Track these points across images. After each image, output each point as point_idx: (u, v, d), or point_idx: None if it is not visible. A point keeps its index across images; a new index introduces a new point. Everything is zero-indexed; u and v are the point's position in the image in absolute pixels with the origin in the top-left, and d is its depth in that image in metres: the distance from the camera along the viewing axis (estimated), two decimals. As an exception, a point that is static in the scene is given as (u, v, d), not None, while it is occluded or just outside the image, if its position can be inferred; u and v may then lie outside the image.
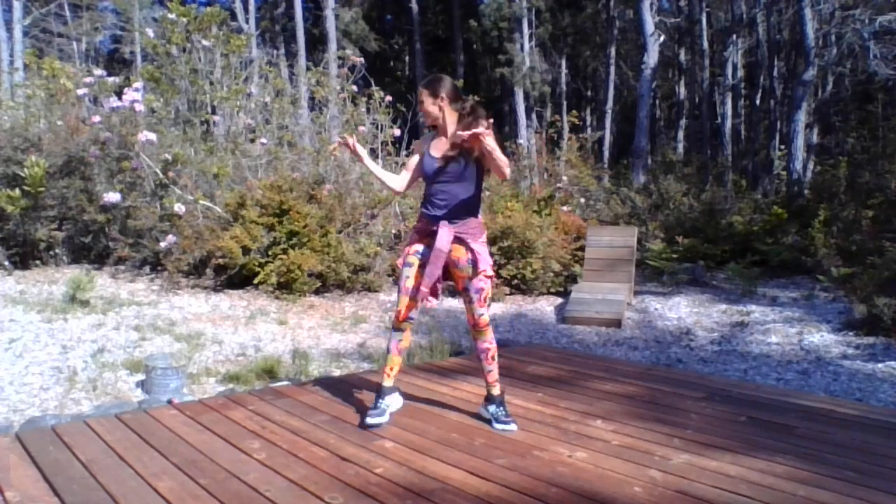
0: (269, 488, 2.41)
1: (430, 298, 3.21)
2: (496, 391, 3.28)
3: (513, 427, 3.17)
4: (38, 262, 7.67)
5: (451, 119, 3.19)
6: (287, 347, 5.56)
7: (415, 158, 3.34)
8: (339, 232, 7.81)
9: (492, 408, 3.26)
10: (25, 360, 4.80)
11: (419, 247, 3.23)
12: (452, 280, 3.32)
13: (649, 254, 9.00)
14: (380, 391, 3.27)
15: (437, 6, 26.75)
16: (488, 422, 3.24)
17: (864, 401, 4.50)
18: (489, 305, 3.26)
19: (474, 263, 3.17)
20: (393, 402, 3.33)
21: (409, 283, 3.18)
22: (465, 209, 3.18)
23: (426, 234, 3.22)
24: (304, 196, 7.69)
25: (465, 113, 3.18)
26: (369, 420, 3.14)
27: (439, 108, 3.16)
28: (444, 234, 3.12)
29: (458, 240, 3.16)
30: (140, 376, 4.57)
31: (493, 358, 3.25)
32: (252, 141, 9.22)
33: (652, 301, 7.65)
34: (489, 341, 3.23)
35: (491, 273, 3.23)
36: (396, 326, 3.23)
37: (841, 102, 20.01)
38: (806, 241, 9.49)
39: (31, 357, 4.88)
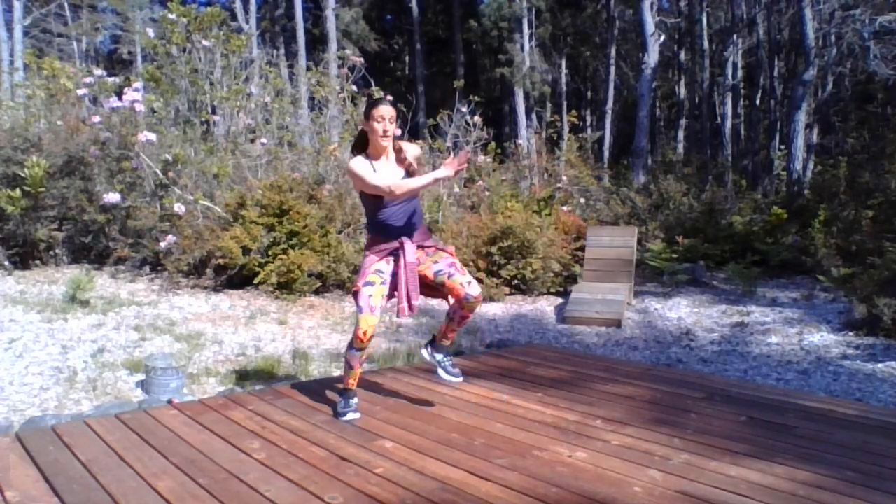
0: (269, 488, 2.41)
1: (409, 312, 3.24)
2: (447, 343, 3.48)
3: (460, 379, 3.45)
4: (38, 262, 7.67)
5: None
6: (287, 347, 5.56)
7: (354, 178, 3.24)
8: (339, 232, 7.81)
9: (439, 356, 3.47)
10: (25, 360, 4.80)
11: (380, 265, 3.24)
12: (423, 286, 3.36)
13: (649, 254, 8.99)
14: (347, 394, 3.34)
15: (437, 6, 26.75)
16: (433, 369, 3.50)
17: (864, 401, 4.50)
18: None
19: (435, 249, 3.33)
20: (356, 403, 3.39)
21: (373, 302, 3.15)
22: (418, 222, 3.34)
23: (387, 253, 3.25)
24: (304, 196, 7.69)
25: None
26: (348, 417, 3.25)
27: None
28: (410, 248, 3.24)
29: (419, 246, 3.32)
30: (140, 376, 4.57)
31: (464, 325, 3.44)
32: (252, 141, 9.23)
33: (652, 301, 7.65)
34: (473, 313, 3.36)
35: (451, 251, 3.39)
36: (360, 347, 3.19)
37: (841, 102, 20.00)
38: (806, 241, 9.49)
39: (31, 357, 4.88)
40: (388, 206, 3.23)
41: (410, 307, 3.22)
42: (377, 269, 3.22)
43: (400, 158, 3.30)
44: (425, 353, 3.51)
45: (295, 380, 4.54)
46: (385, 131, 3.17)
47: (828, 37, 15.75)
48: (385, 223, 3.25)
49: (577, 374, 4.26)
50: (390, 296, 3.30)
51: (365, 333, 3.13)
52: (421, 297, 3.28)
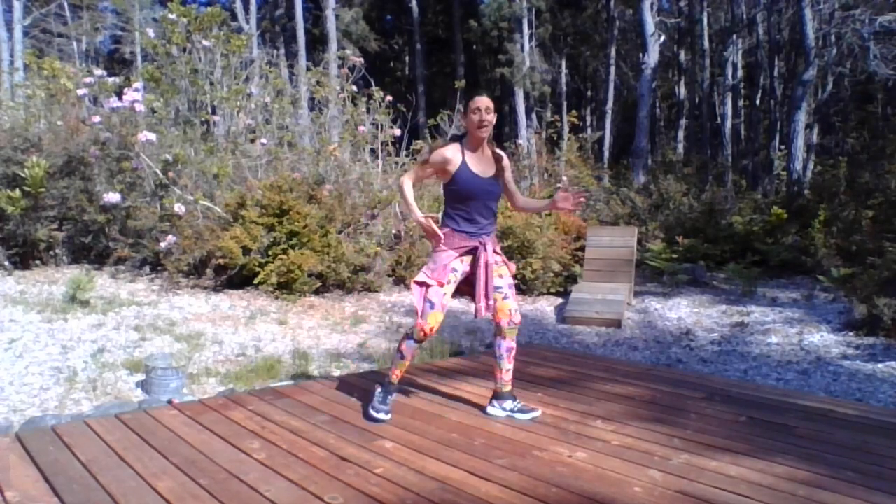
0: (269, 488, 2.41)
1: (485, 312, 3.28)
2: (507, 388, 3.38)
3: (538, 412, 3.32)
4: (38, 262, 7.67)
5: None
6: (287, 347, 5.56)
7: (435, 162, 3.24)
8: (339, 232, 7.81)
9: (507, 404, 3.36)
10: (25, 361, 4.80)
11: (456, 264, 3.23)
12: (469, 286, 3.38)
13: (649, 254, 8.99)
14: (389, 389, 3.31)
15: (437, 6, 26.75)
16: (509, 418, 3.32)
17: (864, 401, 4.50)
18: None
19: (503, 261, 3.33)
20: (394, 401, 3.40)
21: (445, 300, 3.20)
22: (495, 222, 3.35)
23: (464, 251, 3.24)
24: (304, 196, 7.69)
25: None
26: (377, 415, 3.21)
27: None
28: (490, 246, 3.25)
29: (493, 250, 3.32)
30: (140, 376, 4.57)
31: (513, 357, 3.37)
32: (252, 141, 9.22)
33: (652, 301, 7.65)
34: (515, 340, 3.33)
35: (513, 270, 3.40)
36: (420, 339, 3.23)
37: (841, 102, 20.00)
38: (806, 241, 9.49)
39: (31, 357, 4.88)
40: (475, 199, 3.23)
41: (488, 307, 3.25)
42: (453, 268, 3.22)
43: (496, 157, 3.32)
44: (494, 410, 3.35)
45: (295, 380, 4.54)
46: (482, 121, 3.18)
47: (828, 37, 15.74)
48: (469, 218, 3.23)
49: (577, 374, 4.25)
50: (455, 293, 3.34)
51: (432, 329, 3.18)
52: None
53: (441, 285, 3.18)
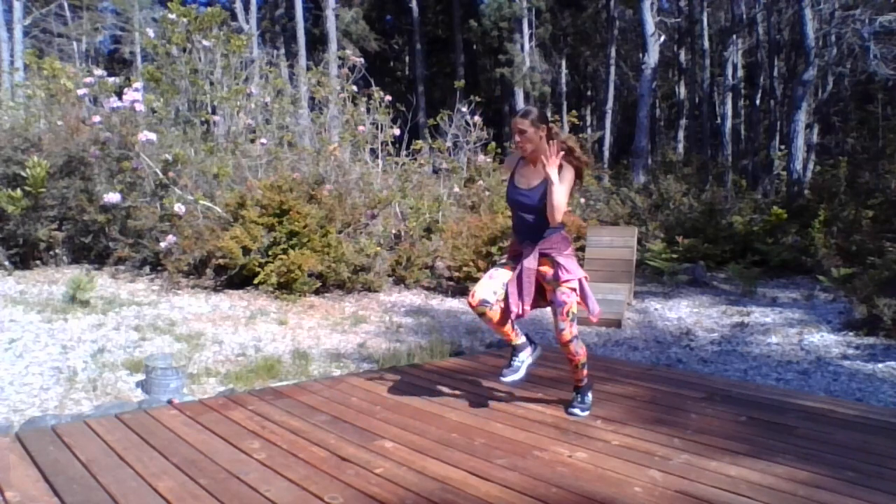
0: (269, 488, 2.41)
1: (516, 315, 3.27)
2: (578, 384, 3.46)
3: (579, 414, 3.38)
4: (38, 262, 7.67)
5: (543, 149, 3.26)
6: (287, 347, 5.55)
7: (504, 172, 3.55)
8: (339, 232, 7.81)
9: (572, 395, 3.49)
10: (25, 360, 4.80)
11: (510, 262, 3.39)
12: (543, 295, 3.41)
13: (649, 254, 8.99)
14: (513, 350, 3.42)
15: (437, 6, 26.74)
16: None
17: (864, 401, 4.50)
18: (573, 320, 3.23)
19: (556, 276, 3.24)
20: (526, 356, 3.44)
21: (495, 273, 3.30)
22: (539, 233, 3.29)
23: (517, 254, 3.37)
24: (304, 196, 7.69)
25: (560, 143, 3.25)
26: (506, 378, 3.33)
27: (539, 137, 3.25)
28: (530, 252, 3.27)
29: (545, 255, 3.27)
30: (140, 376, 4.57)
31: (576, 366, 3.37)
32: (252, 141, 9.22)
33: (652, 301, 7.65)
34: (572, 353, 3.31)
35: (575, 286, 3.24)
36: (470, 304, 3.27)
37: (841, 102, 20.00)
38: (806, 242, 9.49)
39: (31, 357, 4.88)
40: (513, 210, 3.40)
41: (519, 312, 3.26)
42: (507, 263, 3.38)
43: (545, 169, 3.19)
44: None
45: (295, 380, 4.54)
46: (517, 144, 3.28)
47: (828, 37, 15.75)
48: (513, 225, 3.44)
49: (577, 374, 4.25)
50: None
51: (473, 294, 3.24)
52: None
53: (490, 269, 3.41)
